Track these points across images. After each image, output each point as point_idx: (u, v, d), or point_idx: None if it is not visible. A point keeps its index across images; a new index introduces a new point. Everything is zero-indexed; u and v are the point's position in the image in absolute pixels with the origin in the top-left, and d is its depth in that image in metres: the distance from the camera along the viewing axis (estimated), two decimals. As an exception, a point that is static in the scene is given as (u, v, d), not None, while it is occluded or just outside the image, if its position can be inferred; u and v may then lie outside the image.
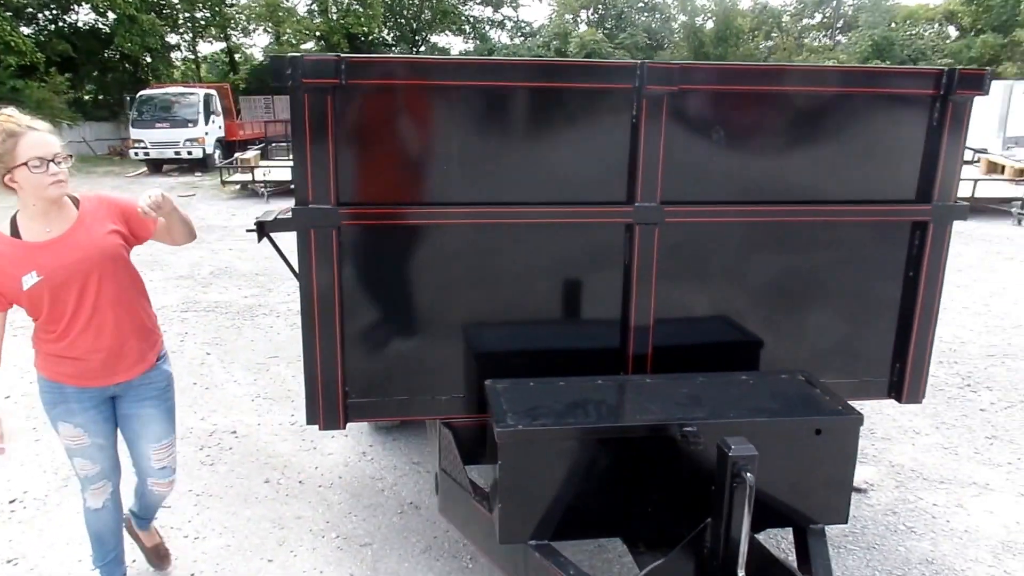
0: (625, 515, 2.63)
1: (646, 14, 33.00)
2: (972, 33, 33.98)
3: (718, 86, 2.88)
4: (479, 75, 2.79)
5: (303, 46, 31.08)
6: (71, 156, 2.65)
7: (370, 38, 32.78)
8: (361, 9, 30.80)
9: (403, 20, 33.59)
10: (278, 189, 16.43)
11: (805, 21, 37.03)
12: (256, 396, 5.68)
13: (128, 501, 3.36)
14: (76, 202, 2.74)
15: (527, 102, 2.84)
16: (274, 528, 3.94)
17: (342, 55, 2.63)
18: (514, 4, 33.39)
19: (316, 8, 31.54)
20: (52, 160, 2.55)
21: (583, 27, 33.16)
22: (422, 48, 31.95)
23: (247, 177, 17.08)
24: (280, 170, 17.29)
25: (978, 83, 2.90)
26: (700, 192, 2.93)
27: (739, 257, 3.05)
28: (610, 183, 2.88)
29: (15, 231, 2.64)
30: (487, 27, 33.21)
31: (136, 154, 21.55)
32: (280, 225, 3.17)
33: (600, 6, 33.13)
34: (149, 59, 28.88)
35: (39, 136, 2.56)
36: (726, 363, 3.10)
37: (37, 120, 2.61)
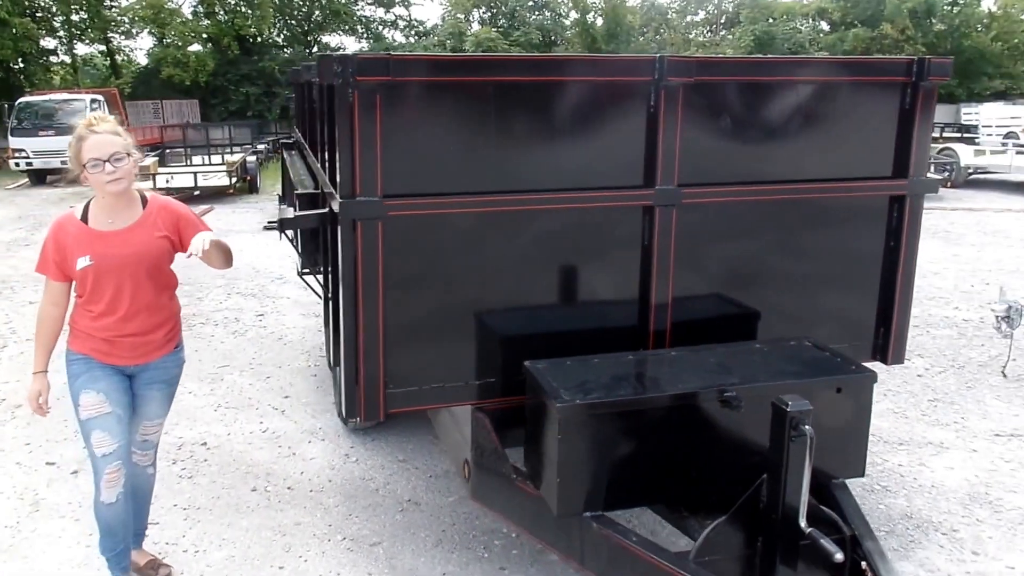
0: (672, 480, 2.76)
1: (537, 12, 33.46)
2: (843, 27, 36.19)
3: (726, 77, 3.04)
4: (518, 71, 2.91)
5: (190, 48, 29.90)
6: (133, 155, 2.92)
7: (259, 40, 31.90)
8: (249, 11, 29.91)
9: (293, 21, 32.85)
10: (182, 196, 15.78)
11: (689, 18, 38.58)
12: (217, 406, 5.51)
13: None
14: (145, 201, 3.04)
15: (558, 95, 2.96)
16: (276, 536, 3.87)
17: (391, 54, 2.67)
18: (406, 3, 33.17)
19: (202, 10, 30.39)
20: (108, 160, 2.82)
21: (475, 26, 33.34)
22: (315, 49, 31.34)
23: (147, 184, 16.32)
24: (183, 176, 16.62)
25: (945, 70, 3.18)
26: (711, 175, 3.08)
27: (744, 234, 3.23)
28: (633, 168, 3.00)
29: (85, 216, 2.98)
30: (380, 27, 32.89)
31: (17, 164, 20.16)
32: (305, 221, 3.15)
33: (492, 5, 33.37)
34: (22, 64, 27.11)
35: (98, 138, 2.84)
36: (734, 333, 3.27)
37: (105, 123, 2.93)
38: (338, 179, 2.74)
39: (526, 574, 3.56)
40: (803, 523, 2.40)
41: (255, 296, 8.46)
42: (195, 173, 16.71)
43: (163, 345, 3.14)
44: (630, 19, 34.86)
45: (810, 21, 37.88)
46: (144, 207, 3.02)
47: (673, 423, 2.68)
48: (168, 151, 20.38)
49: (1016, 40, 35.22)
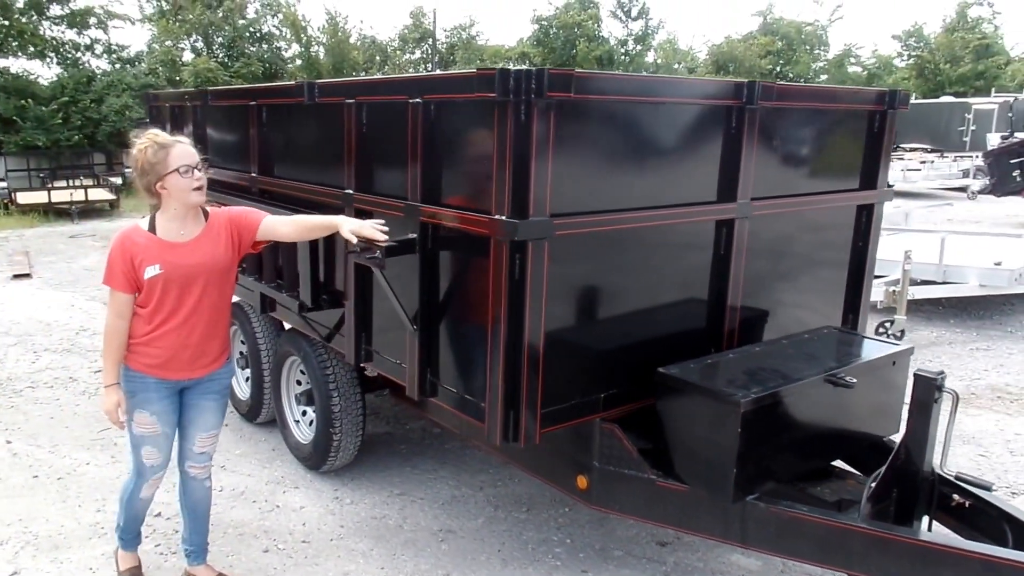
0: (804, 454, 3.13)
1: (256, 44, 32.32)
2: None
3: (784, 103, 3.50)
4: (678, 92, 3.13)
5: None
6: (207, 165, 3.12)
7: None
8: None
9: (-39, 42, 28.12)
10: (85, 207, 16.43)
11: (407, 56, 39.70)
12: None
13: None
14: (206, 214, 3.16)
15: (689, 116, 3.24)
16: (330, 592, 3.60)
17: (575, 70, 2.70)
18: (103, 26, 30.00)
19: None
20: (196, 167, 3.00)
21: (188, 55, 31.31)
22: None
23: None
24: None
25: (906, 100, 3.96)
26: (763, 189, 3.52)
27: (777, 240, 3.71)
28: (721, 183, 3.34)
29: (152, 227, 3.06)
30: (74, 51, 29.35)
31: None
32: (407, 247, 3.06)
33: (207, 34, 31.58)
34: None
35: (185, 147, 3.01)
36: (773, 328, 3.74)
37: (180, 135, 3.12)
38: (507, 199, 2.70)
39: (607, 570, 3.71)
40: (948, 469, 2.91)
41: (71, 352, 7.32)
42: None
43: (218, 357, 3.27)
44: (354, 55, 35.06)
45: (514, 64, 41.02)
46: (206, 220, 3.14)
47: (805, 405, 3.05)
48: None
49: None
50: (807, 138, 3.78)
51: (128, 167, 3.47)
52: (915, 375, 2.94)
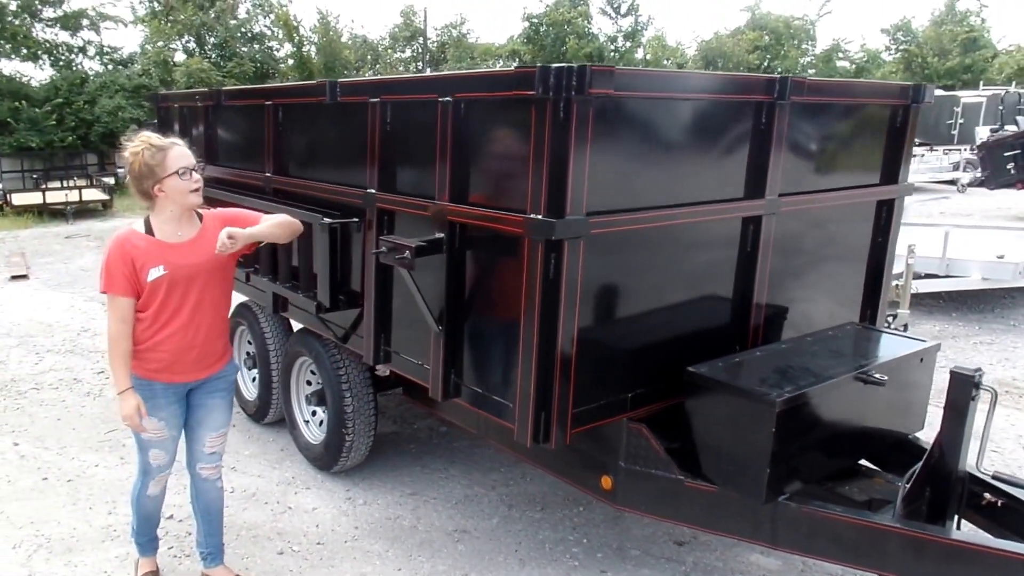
0: (833, 453, 3.11)
1: (248, 44, 32.11)
2: (536, 68, 39.48)
3: (813, 98, 3.47)
4: (711, 88, 3.11)
5: None
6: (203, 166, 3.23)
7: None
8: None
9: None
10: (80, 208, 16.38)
11: (398, 55, 39.56)
12: (146, 475, 4.76)
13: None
14: (199, 216, 3.17)
15: (716, 112, 3.20)
16: (347, 592, 3.56)
17: (614, 67, 2.67)
18: (95, 27, 29.83)
19: None
20: (193, 169, 3.02)
21: (180, 55, 31.08)
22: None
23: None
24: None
25: (930, 95, 3.94)
26: (789, 185, 3.50)
27: (798, 236, 3.68)
28: (749, 180, 3.32)
29: (149, 230, 3.05)
30: (67, 53, 29.15)
31: None
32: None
33: (199, 34, 31.35)
34: None
35: (182, 149, 3.02)
36: (789, 325, 3.72)
37: (174, 137, 3.12)
38: (543, 198, 2.67)
39: (626, 570, 3.69)
40: (981, 468, 2.90)
41: (73, 353, 7.25)
42: None
43: (223, 355, 3.30)
44: (346, 54, 34.91)
45: (504, 62, 40.85)
46: (201, 220, 3.16)
47: (836, 403, 3.03)
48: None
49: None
50: (831, 133, 3.75)
51: (121, 167, 3.42)
52: (951, 372, 2.92)
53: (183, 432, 3.36)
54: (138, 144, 2.95)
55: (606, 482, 3.26)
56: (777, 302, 3.61)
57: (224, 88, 5.26)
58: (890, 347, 3.45)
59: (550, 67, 2.55)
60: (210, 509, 3.50)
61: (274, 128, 4.42)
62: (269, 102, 4.40)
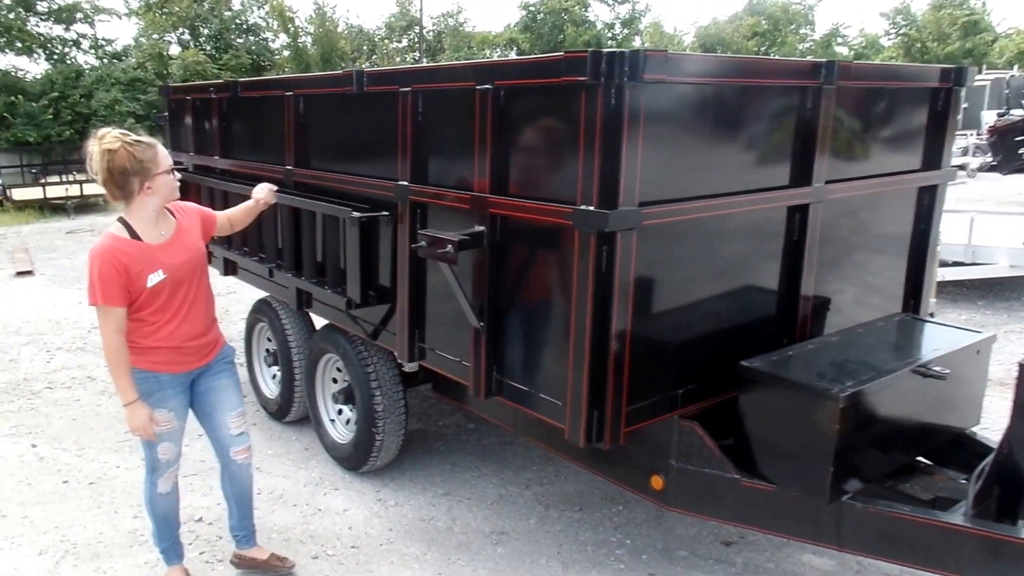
0: (894, 450, 3.01)
1: (243, 36, 31.81)
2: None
3: (858, 82, 3.36)
4: (759, 73, 3.00)
5: None
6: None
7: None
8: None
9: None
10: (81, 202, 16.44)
11: (394, 44, 39.27)
12: (172, 476, 4.65)
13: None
14: (169, 211, 3.14)
15: (763, 97, 3.09)
16: (391, 598, 3.47)
17: (668, 52, 2.54)
18: (89, 20, 29.59)
19: None
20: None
21: (175, 48, 30.80)
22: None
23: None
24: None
25: (972, 77, 3.82)
26: (835, 172, 3.38)
27: (842, 224, 3.57)
28: (795, 167, 3.20)
29: (133, 234, 2.96)
30: (61, 46, 28.90)
31: None
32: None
33: (193, 26, 31.05)
34: None
35: (163, 148, 3.01)
36: (834, 316, 3.61)
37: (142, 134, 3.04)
38: (595, 189, 2.56)
39: (675, 573, 3.59)
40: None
41: (84, 350, 7.14)
42: None
43: (218, 337, 3.33)
44: (342, 44, 34.62)
45: (501, 51, 40.59)
46: (173, 215, 3.15)
47: (897, 398, 2.92)
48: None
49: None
50: (874, 118, 3.64)
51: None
52: (1021, 365, 2.81)
53: (206, 426, 3.37)
54: (112, 141, 2.84)
55: (656, 482, 3.15)
56: (823, 293, 3.51)
57: (241, 80, 5.12)
58: (945, 339, 3.33)
59: (602, 52, 2.44)
60: (244, 494, 3.53)
61: (295, 120, 4.29)
62: (290, 93, 4.27)
